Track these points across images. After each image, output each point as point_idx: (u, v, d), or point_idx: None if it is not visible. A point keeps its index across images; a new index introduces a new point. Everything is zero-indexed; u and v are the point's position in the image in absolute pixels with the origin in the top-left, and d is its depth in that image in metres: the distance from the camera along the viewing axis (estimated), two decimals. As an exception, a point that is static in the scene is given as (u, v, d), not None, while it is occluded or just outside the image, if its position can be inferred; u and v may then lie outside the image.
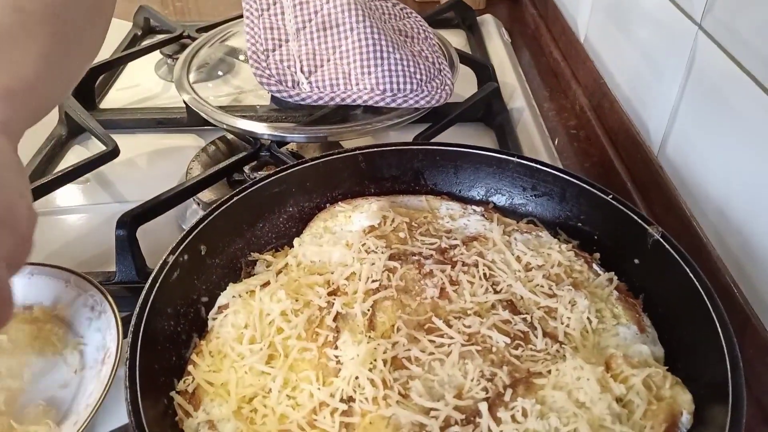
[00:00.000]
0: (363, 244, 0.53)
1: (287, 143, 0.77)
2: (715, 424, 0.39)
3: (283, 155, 0.74)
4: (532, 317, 0.47)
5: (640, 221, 0.51)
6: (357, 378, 0.42)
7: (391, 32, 0.80)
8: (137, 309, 0.44)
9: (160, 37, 1.09)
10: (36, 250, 0.70)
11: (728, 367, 0.40)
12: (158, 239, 0.65)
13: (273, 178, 0.57)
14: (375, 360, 0.43)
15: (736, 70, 0.56)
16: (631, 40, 0.82)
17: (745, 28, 0.55)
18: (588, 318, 0.47)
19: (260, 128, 0.75)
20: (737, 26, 0.57)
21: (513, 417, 0.40)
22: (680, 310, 0.47)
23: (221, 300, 0.50)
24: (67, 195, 0.79)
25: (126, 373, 0.40)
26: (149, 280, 0.46)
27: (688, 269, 0.47)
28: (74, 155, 0.86)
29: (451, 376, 0.43)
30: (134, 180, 0.82)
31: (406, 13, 0.88)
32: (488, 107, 0.87)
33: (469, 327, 0.46)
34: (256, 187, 0.56)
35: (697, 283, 0.45)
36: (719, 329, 0.42)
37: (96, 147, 0.82)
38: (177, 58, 0.91)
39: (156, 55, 1.06)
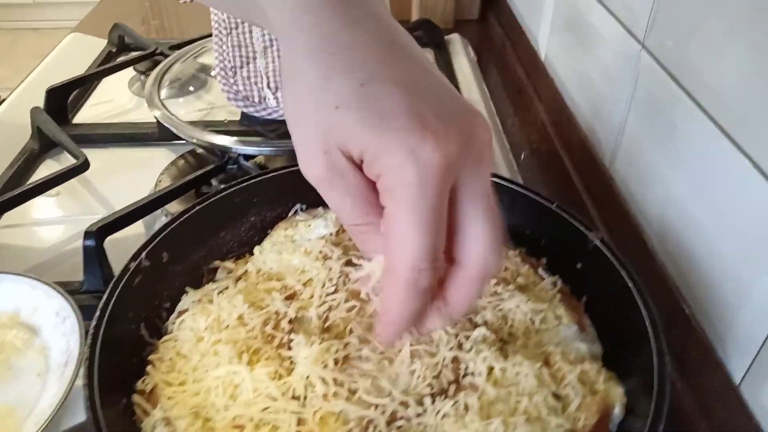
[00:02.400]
0: (320, 251, 0.55)
1: (255, 156, 0.80)
2: (642, 413, 0.41)
3: (250, 168, 0.76)
4: (477, 318, 0.49)
5: (581, 228, 0.54)
6: (308, 377, 0.44)
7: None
8: (98, 311, 0.46)
9: (134, 54, 1.11)
10: (6, 260, 0.72)
11: (655, 360, 0.43)
12: (127, 250, 0.66)
13: (235, 188, 0.59)
14: (327, 360, 0.45)
15: (675, 87, 0.60)
16: (587, 58, 0.86)
17: (684, 49, 0.59)
18: (531, 319, 0.50)
19: (228, 142, 0.78)
20: (677, 47, 0.60)
21: (456, 410, 0.42)
22: (617, 310, 0.50)
23: (182, 305, 0.52)
24: (38, 208, 0.81)
25: (85, 372, 0.41)
26: (111, 284, 0.48)
27: (623, 271, 0.50)
28: (46, 169, 0.88)
29: (399, 374, 0.45)
30: (104, 193, 0.84)
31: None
32: (451, 122, 0.89)
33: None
34: (218, 196, 0.58)
35: (631, 283, 0.48)
36: (649, 326, 0.45)
37: (68, 161, 0.83)
38: (150, 74, 0.94)
39: (130, 72, 1.08)
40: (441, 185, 0.31)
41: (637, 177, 0.69)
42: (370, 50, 0.32)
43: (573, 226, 0.54)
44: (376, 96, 0.31)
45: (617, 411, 0.44)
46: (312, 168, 0.33)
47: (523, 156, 0.95)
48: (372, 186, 0.33)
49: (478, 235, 0.33)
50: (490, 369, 0.45)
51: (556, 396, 0.44)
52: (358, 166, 0.32)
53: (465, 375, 0.45)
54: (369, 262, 0.37)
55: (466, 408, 0.42)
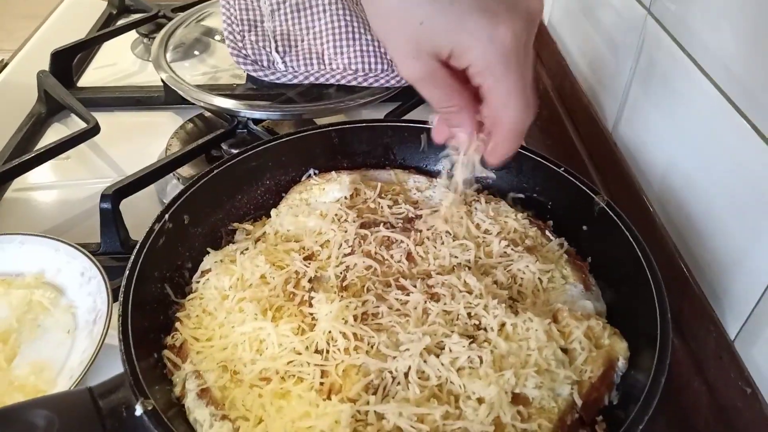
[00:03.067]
0: (336, 214, 0.57)
1: (263, 121, 0.81)
2: (644, 367, 0.44)
3: (259, 132, 0.77)
4: (488, 278, 0.52)
5: (587, 191, 0.56)
6: (330, 332, 0.46)
7: (363, 14, 0.83)
8: (127, 271, 0.47)
9: (135, 16, 1.10)
10: (19, 223, 0.73)
11: (658, 318, 0.46)
12: (140, 213, 0.68)
13: (250, 152, 0.61)
14: (346, 316, 0.47)
15: (679, 52, 0.61)
16: (591, 23, 0.86)
17: (689, 15, 0.60)
18: (539, 279, 0.52)
19: (237, 106, 0.78)
20: (682, 12, 0.61)
21: (470, 362, 0.44)
22: (621, 270, 0.52)
23: (204, 265, 0.54)
24: (48, 172, 0.82)
25: (119, 329, 0.44)
26: (137, 246, 0.50)
27: (628, 233, 0.52)
28: (54, 133, 0.88)
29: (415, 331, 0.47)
30: (114, 157, 0.85)
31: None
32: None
33: (432, 286, 0.50)
34: (234, 161, 0.60)
35: (635, 245, 0.51)
36: (653, 287, 0.48)
37: (75, 125, 0.84)
38: (153, 38, 0.94)
39: (132, 35, 1.07)
40: (516, 56, 0.39)
41: (639, 142, 0.71)
42: None
43: (580, 189, 0.56)
44: (451, 4, 0.38)
45: (621, 364, 0.47)
46: (409, 70, 0.41)
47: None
48: (455, 77, 0.41)
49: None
50: (502, 324, 0.47)
51: (564, 350, 0.47)
52: (445, 62, 0.40)
53: (479, 329, 0.47)
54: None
55: (481, 361, 0.44)
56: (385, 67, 0.80)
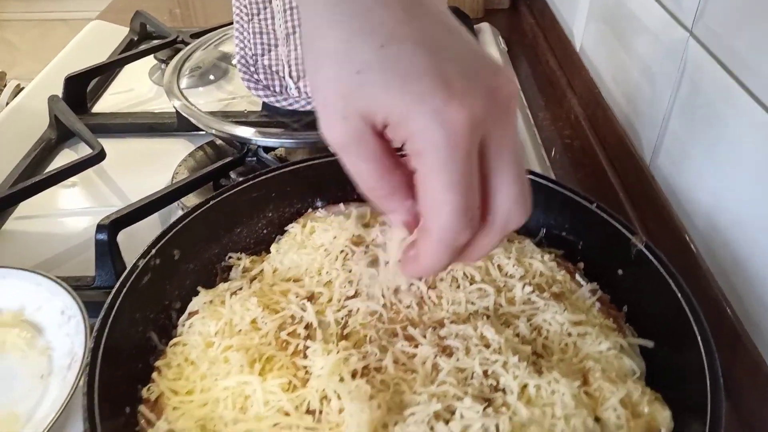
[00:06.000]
0: (341, 251, 0.52)
1: (274, 149, 0.77)
2: (692, 442, 0.37)
3: (269, 160, 0.73)
4: (509, 330, 0.45)
5: (623, 230, 0.50)
6: (324, 389, 0.41)
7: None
8: (102, 313, 0.43)
9: (154, 42, 1.08)
10: (17, 253, 0.70)
11: (708, 386, 0.39)
12: (143, 244, 0.64)
13: (252, 182, 0.56)
14: (343, 372, 0.41)
15: (727, 78, 0.55)
16: (625, 48, 0.80)
17: (737, 37, 0.54)
18: (568, 332, 0.46)
19: (248, 133, 0.74)
20: (729, 34, 0.55)
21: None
22: (663, 323, 0.45)
23: (192, 306, 0.49)
24: (54, 199, 0.79)
25: (84, 380, 0.39)
26: (117, 284, 0.45)
27: (671, 281, 0.45)
28: (63, 159, 0.86)
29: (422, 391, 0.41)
30: (121, 184, 0.82)
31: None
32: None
33: (444, 338, 0.44)
34: (234, 191, 0.55)
35: (680, 295, 0.44)
36: (701, 346, 0.41)
37: (86, 151, 0.81)
38: (170, 63, 0.91)
39: (150, 61, 1.05)
40: (469, 144, 0.31)
41: (681, 176, 0.64)
42: (389, 9, 0.31)
43: (614, 228, 0.50)
44: (397, 57, 0.30)
45: (664, 437, 0.40)
46: (333, 133, 0.33)
47: (553, 152, 0.90)
48: (390, 151, 0.33)
49: (505, 191, 0.34)
50: (524, 386, 0.41)
51: (596, 418, 0.40)
52: (380, 132, 0.32)
53: (496, 390, 0.41)
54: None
55: (497, 430, 0.38)
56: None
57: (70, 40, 1.15)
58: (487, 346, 0.43)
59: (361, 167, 0.33)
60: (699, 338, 0.41)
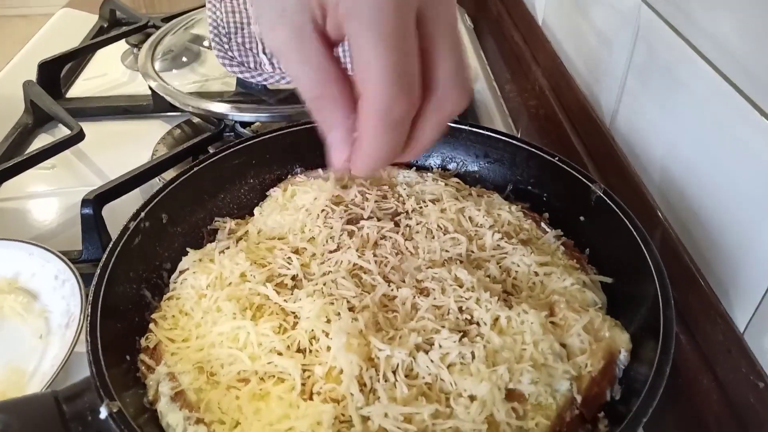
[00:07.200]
0: (322, 210, 0.55)
1: (251, 123, 0.79)
2: (647, 358, 0.41)
3: (247, 135, 0.75)
4: (481, 271, 0.49)
5: (583, 179, 0.54)
6: (313, 330, 0.44)
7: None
8: (98, 270, 0.45)
9: (125, 28, 1.09)
10: (4, 232, 0.71)
11: (661, 306, 0.43)
12: (125, 219, 0.66)
13: (233, 149, 0.58)
14: (329, 314, 0.44)
15: (676, 39, 0.59)
16: (585, 19, 0.84)
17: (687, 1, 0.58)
18: (534, 271, 0.49)
19: (225, 109, 0.77)
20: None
21: (461, 358, 0.42)
22: (621, 260, 0.49)
23: (182, 265, 0.52)
24: (35, 180, 0.80)
25: (87, 331, 0.41)
26: (110, 244, 0.47)
27: (627, 221, 0.49)
28: (41, 143, 0.87)
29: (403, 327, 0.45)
30: (100, 165, 0.83)
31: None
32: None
33: (422, 281, 0.48)
34: (216, 158, 0.57)
35: (635, 232, 0.48)
36: (654, 273, 0.45)
37: (63, 134, 0.82)
38: (142, 47, 0.92)
39: (122, 46, 1.06)
40: (399, 2, 0.30)
41: (638, 135, 0.68)
42: None
43: (575, 178, 0.54)
44: None
45: (623, 357, 0.44)
46: (275, 35, 0.32)
47: (519, 122, 0.94)
48: (334, 59, 0.33)
49: (442, 64, 0.33)
50: (495, 318, 0.44)
51: (562, 344, 0.44)
52: (321, 29, 0.32)
53: (471, 323, 0.44)
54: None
55: (473, 356, 0.42)
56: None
57: (31, 36, 1.14)
58: (461, 285, 0.47)
59: (303, 70, 0.33)
60: (653, 268, 0.45)
